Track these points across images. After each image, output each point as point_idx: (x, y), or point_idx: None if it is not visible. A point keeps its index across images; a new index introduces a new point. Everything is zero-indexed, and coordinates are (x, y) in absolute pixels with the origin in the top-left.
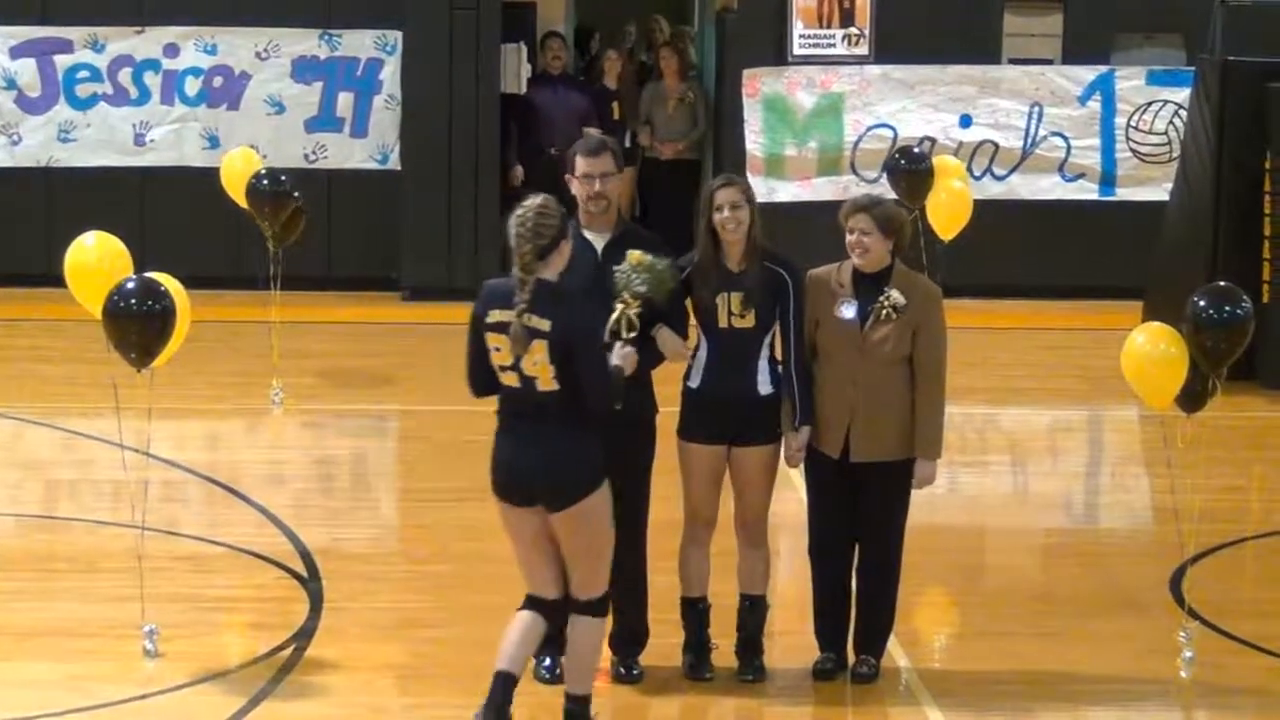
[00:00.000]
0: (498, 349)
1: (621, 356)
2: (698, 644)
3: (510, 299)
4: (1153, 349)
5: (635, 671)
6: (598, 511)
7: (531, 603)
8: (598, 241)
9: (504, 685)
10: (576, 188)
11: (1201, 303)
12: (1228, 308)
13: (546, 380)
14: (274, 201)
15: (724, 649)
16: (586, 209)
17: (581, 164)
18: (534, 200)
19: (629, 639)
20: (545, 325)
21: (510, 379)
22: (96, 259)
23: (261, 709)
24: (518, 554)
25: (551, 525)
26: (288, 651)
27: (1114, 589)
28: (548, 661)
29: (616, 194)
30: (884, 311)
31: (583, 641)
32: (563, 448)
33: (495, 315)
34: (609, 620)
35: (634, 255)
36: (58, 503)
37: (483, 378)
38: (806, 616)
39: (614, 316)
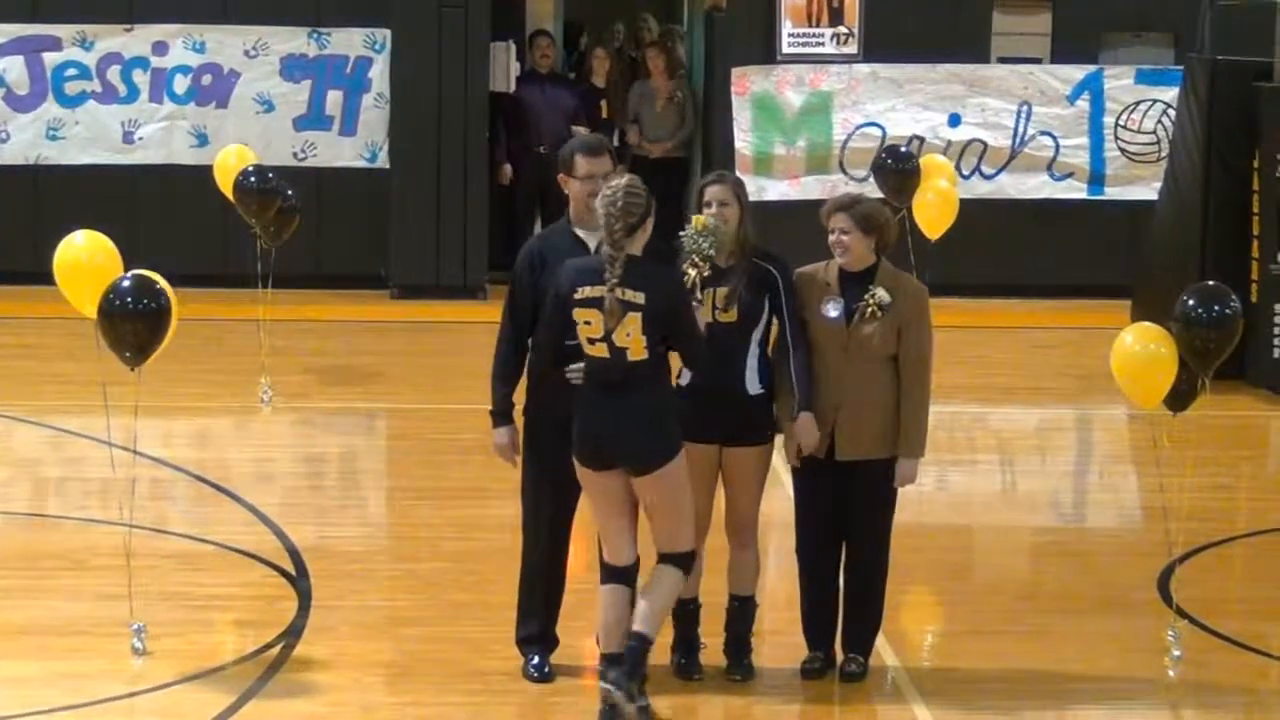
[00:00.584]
0: (588, 323)
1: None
2: (687, 643)
3: (597, 275)
4: (1142, 349)
5: None
6: (677, 474)
7: (610, 574)
8: (590, 239)
9: (611, 666)
10: (577, 188)
11: (1191, 301)
12: (1217, 307)
13: (638, 351)
14: (261, 198)
15: (712, 647)
16: (588, 206)
17: (586, 165)
18: (621, 180)
19: None
20: (640, 299)
21: (599, 350)
22: (88, 257)
23: (250, 707)
24: (597, 519)
25: (634, 487)
26: (276, 649)
27: (1102, 588)
28: (536, 660)
29: None
30: (869, 310)
31: (663, 588)
32: (646, 415)
33: (585, 291)
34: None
35: (699, 220)
36: (46, 500)
37: (557, 352)
38: (795, 615)
39: (687, 279)
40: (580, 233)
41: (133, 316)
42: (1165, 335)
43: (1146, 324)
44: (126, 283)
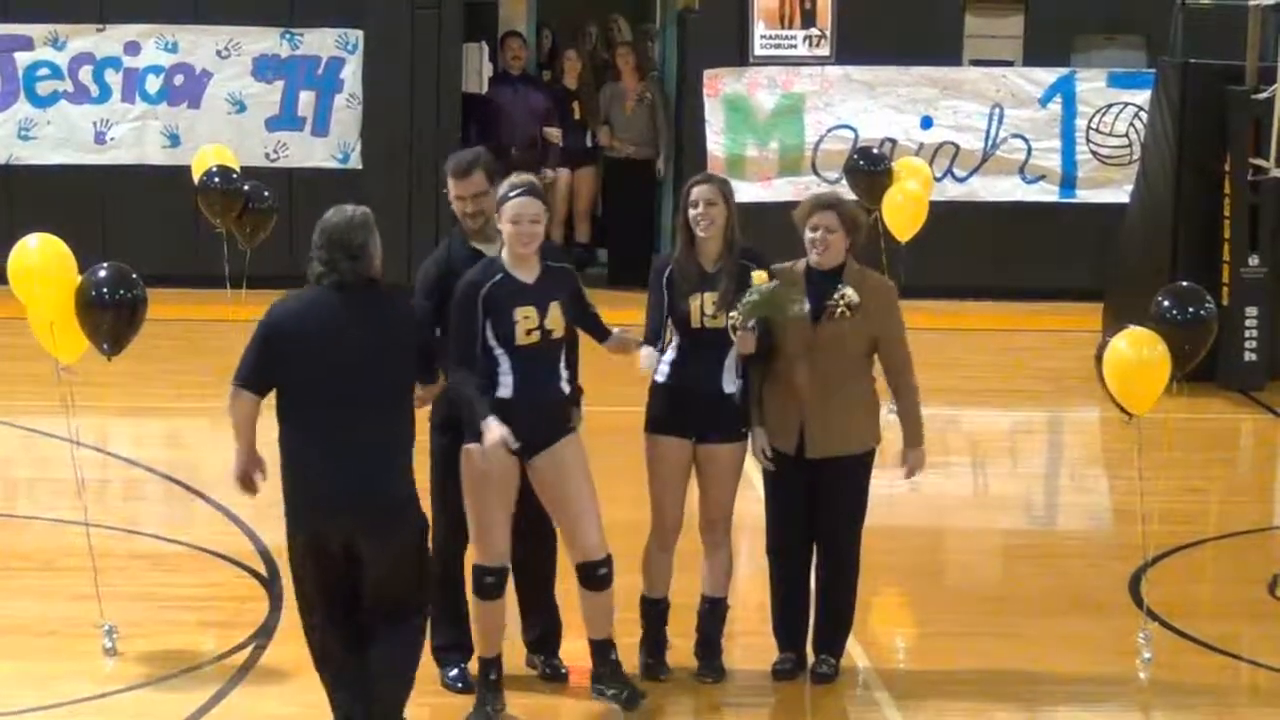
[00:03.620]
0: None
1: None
2: (655, 642)
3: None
4: (1136, 353)
5: (562, 667)
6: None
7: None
8: (488, 251)
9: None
10: (455, 206)
11: (1166, 303)
12: (1192, 308)
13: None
14: (225, 199)
15: (683, 648)
16: (466, 225)
17: (451, 186)
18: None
19: (549, 636)
20: None
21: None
22: (41, 261)
23: (221, 707)
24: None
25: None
26: (248, 650)
27: (1073, 590)
28: (454, 672)
29: (494, 210)
30: (839, 310)
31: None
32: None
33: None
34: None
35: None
36: (16, 501)
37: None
38: (766, 616)
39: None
40: (479, 246)
41: (110, 307)
42: (1158, 340)
43: (1139, 329)
44: (104, 273)
